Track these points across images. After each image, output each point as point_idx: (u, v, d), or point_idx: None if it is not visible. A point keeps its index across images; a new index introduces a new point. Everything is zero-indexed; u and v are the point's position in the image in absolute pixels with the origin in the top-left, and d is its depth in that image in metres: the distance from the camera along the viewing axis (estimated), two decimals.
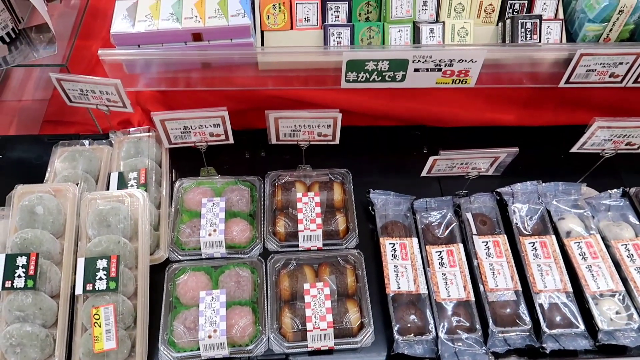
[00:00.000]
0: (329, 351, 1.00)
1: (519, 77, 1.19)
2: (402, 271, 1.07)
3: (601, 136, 1.08)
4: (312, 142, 1.16)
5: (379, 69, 1.10)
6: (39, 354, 0.94)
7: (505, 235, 1.11)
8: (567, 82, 1.13)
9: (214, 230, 1.09)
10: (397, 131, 1.35)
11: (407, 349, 0.99)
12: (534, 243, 1.10)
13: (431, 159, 1.04)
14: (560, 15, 1.16)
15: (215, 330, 0.97)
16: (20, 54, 1.24)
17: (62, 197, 1.06)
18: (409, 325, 1.00)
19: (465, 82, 1.15)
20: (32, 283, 0.95)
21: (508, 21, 1.12)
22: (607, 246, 1.09)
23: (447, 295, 1.04)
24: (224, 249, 1.09)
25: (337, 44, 1.13)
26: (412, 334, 1.00)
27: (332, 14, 1.14)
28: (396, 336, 0.99)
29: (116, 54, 1.08)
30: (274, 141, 1.16)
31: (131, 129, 1.27)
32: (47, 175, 1.19)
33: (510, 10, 1.15)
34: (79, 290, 0.96)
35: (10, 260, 0.96)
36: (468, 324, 1.01)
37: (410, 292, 1.04)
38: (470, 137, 1.34)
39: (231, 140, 1.16)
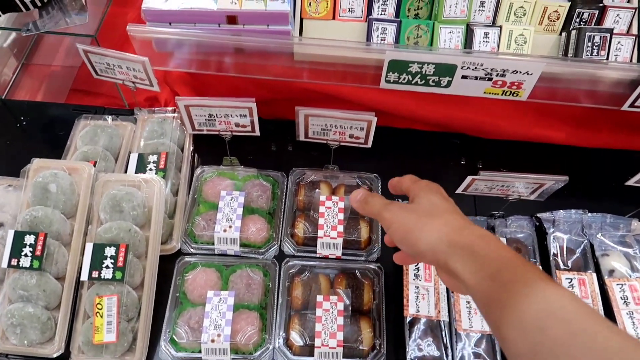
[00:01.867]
0: None
1: (577, 95, 1.07)
2: (423, 293, 0.99)
3: None
4: (342, 143, 1.08)
5: (423, 72, 1.01)
6: (39, 337, 0.91)
7: (540, 267, 1.02)
8: (631, 105, 1.02)
9: (230, 227, 1.04)
10: (434, 137, 1.26)
11: None
12: (571, 280, 1.01)
13: (469, 178, 0.95)
14: (634, 30, 1.04)
15: (219, 335, 0.92)
16: (51, 19, 1.19)
17: (77, 175, 1.02)
18: (424, 353, 0.94)
19: (517, 94, 1.05)
20: (37, 264, 0.92)
21: (574, 32, 1.01)
22: None
23: (470, 326, 0.96)
24: (238, 246, 1.04)
25: (381, 40, 1.04)
26: None
27: (378, 7, 1.05)
28: None
29: (146, 31, 1.02)
30: (302, 138, 1.09)
31: (156, 109, 1.22)
32: (66, 148, 1.15)
33: (578, 20, 1.03)
34: (84, 277, 0.93)
35: (19, 237, 0.93)
36: None
37: (429, 317, 0.97)
38: (513, 152, 1.24)
39: (257, 133, 1.09)
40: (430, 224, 0.68)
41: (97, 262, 0.93)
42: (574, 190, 1.11)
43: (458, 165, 1.23)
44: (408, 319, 0.97)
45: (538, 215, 1.08)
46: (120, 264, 0.93)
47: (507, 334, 0.56)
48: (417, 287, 1.00)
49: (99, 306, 0.91)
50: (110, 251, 0.94)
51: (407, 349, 0.94)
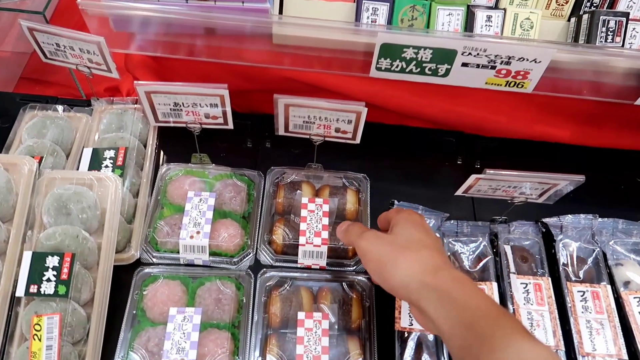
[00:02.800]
0: None
1: (586, 88, 0.97)
2: None
3: None
4: (327, 139, 0.96)
5: (419, 59, 0.89)
6: None
7: (549, 279, 0.91)
8: None
9: (197, 232, 0.90)
10: (428, 135, 1.15)
11: None
12: (584, 292, 0.90)
13: (473, 177, 0.83)
14: None
15: None
16: None
17: (16, 172, 0.87)
18: None
19: (522, 85, 0.94)
20: None
21: (585, 16, 0.90)
22: None
23: None
24: (207, 255, 0.90)
25: (372, 22, 0.92)
26: None
27: None
28: None
29: (101, 6, 0.88)
30: (281, 132, 0.96)
31: (115, 99, 1.08)
32: (8, 142, 1.00)
33: (588, 4, 0.93)
34: (20, 292, 0.78)
35: None
36: None
37: (423, 330, 0.85)
38: (513, 152, 1.14)
39: (230, 126, 0.96)
40: (404, 260, 0.67)
41: (36, 274, 0.78)
42: (580, 194, 1.01)
43: (454, 166, 1.11)
44: (399, 333, 0.84)
45: (544, 220, 0.97)
46: (64, 276, 0.78)
47: None
48: None
49: (37, 327, 0.76)
50: (52, 261, 0.79)
51: None
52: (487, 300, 0.63)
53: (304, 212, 0.94)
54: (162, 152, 1.07)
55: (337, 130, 0.92)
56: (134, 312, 0.85)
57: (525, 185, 0.86)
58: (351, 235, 0.76)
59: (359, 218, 0.98)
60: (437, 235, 0.96)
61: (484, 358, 0.57)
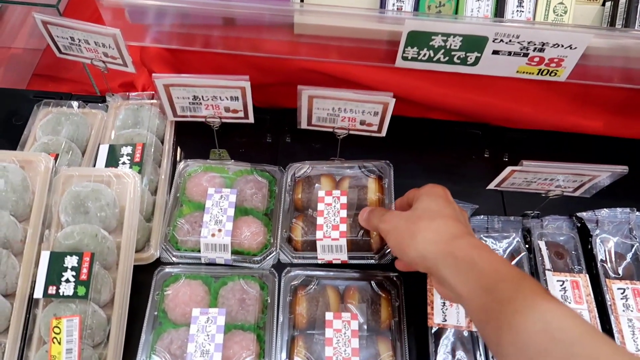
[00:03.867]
0: None
1: (622, 75, 0.93)
2: None
3: None
4: (351, 132, 0.92)
5: (448, 47, 0.85)
6: None
7: (587, 276, 0.87)
8: None
9: (219, 230, 0.87)
10: (453, 127, 1.10)
11: None
12: (624, 290, 0.85)
13: (508, 169, 0.79)
14: None
15: None
16: None
17: (32, 170, 0.84)
18: None
19: (555, 74, 0.90)
20: None
21: (623, 0, 0.86)
22: None
23: None
24: (229, 254, 0.87)
25: (397, 9, 0.88)
26: None
27: None
28: None
29: None
30: (304, 125, 0.93)
31: (132, 94, 1.05)
32: (22, 140, 0.97)
33: None
34: (38, 293, 0.75)
35: None
36: None
37: (459, 327, 0.81)
38: (542, 144, 1.09)
39: (251, 119, 0.92)
40: (421, 231, 0.67)
41: (55, 275, 0.76)
42: (613, 187, 0.96)
43: (481, 159, 1.07)
44: (433, 330, 0.81)
45: (579, 214, 0.93)
46: (83, 277, 0.76)
47: (505, 353, 0.55)
48: None
49: (57, 330, 0.73)
50: (71, 261, 0.76)
51: None
52: (506, 265, 0.61)
53: (320, 206, 0.91)
54: (179, 149, 1.04)
55: (362, 122, 0.89)
56: (155, 313, 0.82)
57: (562, 177, 0.82)
58: (373, 220, 0.78)
59: (382, 207, 0.94)
60: None
61: (504, 321, 0.55)
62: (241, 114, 0.91)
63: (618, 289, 0.85)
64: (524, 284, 0.58)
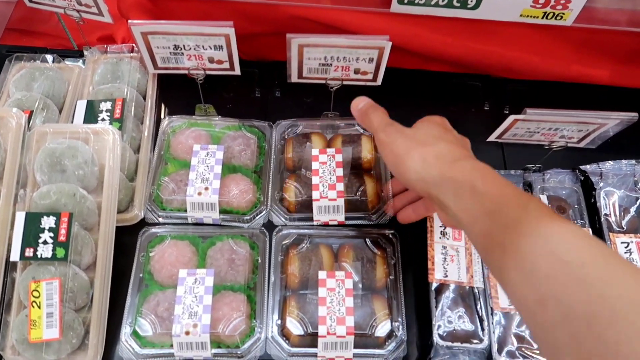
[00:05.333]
0: None
1: (631, 18, 0.87)
2: (452, 254, 0.80)
3: None
4: (345, 82, 0.86)
5: None
6: None
7: (590, 230, 0.84)
8: None
9: (206, 189, 0.82)
10: (452, 79, 1.05)
11: (450, 358, 0.74)
12: (628, 244, 0.82)
13: (511, 118, 0.74)
14: None
15: (195, 325, 0.72)
16: None
17: (2, 127, 0.79)
18: (454, 327, 0.75)
19: (561, 17, 0.84)
20: None
21: None
22: None
23: (510, 303, 0.77)
24: (217, 213, 0.83)
25: None
26: (459, 340, 0.75)
27: None
28: (436, 339, 0.74)
29: None
30: (294, 79, 0.87)
31: (110, 47, 0.98)
32: None
33: None
34: (15, 256, 0.71)
35: None
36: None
37: (460, 282, 0.78)
38: (545, 96, 1.04)
39: (237, 71, 0.87)
40: (421, 153, 0.63)
41: (31, 236, 0.71)
42: (619, 138, 0.92)
43: (481, 112, 1.02)
44: (434, 286, 0.78)
45: (582, 167, 0.89)
46: (62, 238, 0.71)
47: (510, 279, 0.51)
48: (444, 248, 0.80)
49: (36, 293, 0.70)
50: (48, 222, 0.72)
51: (432, 322, 0.75)
52: (510, 187, 0.57)
53: (315, 165, 0.86)
54: (163, 105, 0.99)
55: (356, 71, 0.83)
56: (141, 275, 0.79)
57: (567, 127, 0.78)
58: (372, 123, 0.72)
59: (377, 166, 0.90)
60: None
61: (508, 246, 0.51)
62: (226, 65, 0.86)
63: (622, 242, 0.82)
64: (529, 206, 0.53)
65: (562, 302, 0.45)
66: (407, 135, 0.67)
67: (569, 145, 0.83)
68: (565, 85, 1.03)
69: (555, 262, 0.47)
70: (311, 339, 0.74)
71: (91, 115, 0.88)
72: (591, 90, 1.03)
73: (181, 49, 0.82)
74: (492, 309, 0.77)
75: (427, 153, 0.63)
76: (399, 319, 0.77)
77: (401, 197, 0.84)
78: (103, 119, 0.87)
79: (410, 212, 0.81)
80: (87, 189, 0.77)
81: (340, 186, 0.85)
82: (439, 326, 0.75)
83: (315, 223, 0.85)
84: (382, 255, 0.81)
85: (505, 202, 0.55)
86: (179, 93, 0.97)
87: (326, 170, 0.86)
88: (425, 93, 1.04)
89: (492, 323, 0.76)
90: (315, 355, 0.74)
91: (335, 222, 0.86)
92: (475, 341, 0.75)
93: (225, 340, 0.74)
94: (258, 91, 1.03)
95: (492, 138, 0.82)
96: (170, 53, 0.84)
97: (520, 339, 0.75)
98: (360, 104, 0.75)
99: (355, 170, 0.89)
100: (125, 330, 0.74)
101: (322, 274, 0.76)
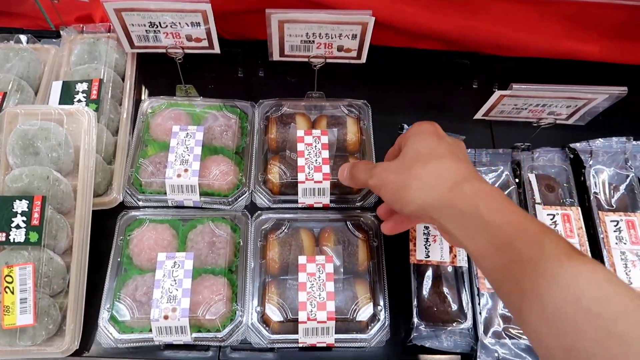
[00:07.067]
0: (327, 348, 0.74)
1: None
2: (434, 234, 0.79)
3: None
4: (328, 60, 0.84)
5: None
6: None
7: (579, 209, 0.82)
8: None
9: (185, 171, 0.80)
10: (440, 57, 1.02)
11: (431, 340, 0.73)
12: (617, 222, 0.81)
13: (497, 94, 0.72)
14: None
15: (174, 309, 0.70)
16: None
17: None
18: (435, 307, 0.74)
19: None
20: None
21: None
22: None
23: None
24: (197, 195, 0.81)
25: None
26: (440, 321, 0.74)
27: None
28: (416, 320, 0.73)
29: None
30: (276, 57, 0.85)
31: (87, 26, 0.95)
32: None
33: None
34: None
35: None
36: None
37: (443, 262, 0.77)
38: (535, 73, 1.02)
39: (216, 49, 0.84)
40: (414, 179, 0.59)
41: (3, 221, 0.70)
42: (610, 115, 0.90)
43: (469, 90, 1.00)
44: (415, 266, 0.76)
45: (572, 145, 0.87)
46: (35, 222, 0.70)
47: (531, 323, 0.48)
48: (426, 228, 0.79)
49: (9, 279, 0.68)
50: (20, 205, 0.70)
51: (413, 303, 0.73)
52: (519, 215, 0.52)
53: (300, 146, 0.84)
54: (143, 86, 0.96)
55: (339, 48, 0.81)
56: (119, 259, 0.77)
57: (559, 102, 0.75)
58: (359, 177, 0.68)
59: (362, 149, 0.88)
60: None
61: (527, 287, 0.47)
62: (205, 43, 0.83)
63: (611, 221, 0.81)
64: (544, 241, 0.49)
65: (596, 357, 0.42)
66: (396, 167, 0.62)
67: (558, 122, 0.81)
68: (556, 62, 1.01)
69: (582, 313, 0.44)
70: (292, 325, 0.72)
71: (67, 96, 0.85)
72: (582, 68, 1.00)
73: (157, 26, 0.80)
74: (478, 289, 0.76)
75: (420, 179, 0.58)
76: (381, 303, 0.75)
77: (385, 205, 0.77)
78: (79, 100, 0.84)
79: (394, 225, 0.73)
80: (62, 171, 0.75)
81: (327, 168, 0.83)
82: (419, 307, 0.74)
83: (300, 205, 0.84)
84: (364, 238, 0.80)
85: (516, 234, 0.51)
86: (159, 74, 0.94)
87: (312, 152, 0.84)
88: (413, 72, 1.02)
89: (479, 304, 0.75)
90: (296, 341, 0.72)
91: (320, 205, 0.84)
92: (457, 321, 0.74)
93: (206, 324, 0.72)
94: (241, 71, 1.00)
95: (478, 116, 0.80)
96: (146, 31, 0.81)
97: (506, 319, 0.74)
98: (344, 172, 0.73)
99: (341, 153, 0.87)
100: (104, 316, 0.72)
101: (302, 259, 0.75)
